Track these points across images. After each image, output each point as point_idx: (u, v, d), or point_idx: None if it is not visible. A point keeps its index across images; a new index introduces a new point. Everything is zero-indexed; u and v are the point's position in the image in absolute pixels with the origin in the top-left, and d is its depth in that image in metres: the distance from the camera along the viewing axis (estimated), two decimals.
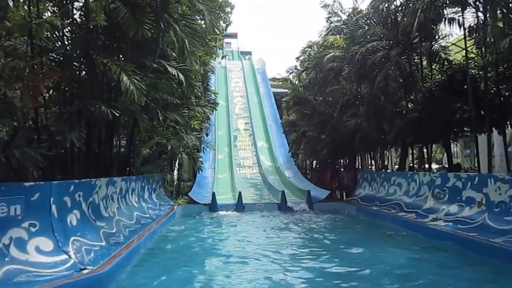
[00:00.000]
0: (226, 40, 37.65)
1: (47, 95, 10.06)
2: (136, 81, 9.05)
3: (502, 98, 11.90)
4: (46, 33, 9.11)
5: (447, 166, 17.73)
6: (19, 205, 5.80)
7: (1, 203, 5.54)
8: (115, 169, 11.99)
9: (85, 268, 5.94)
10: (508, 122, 13.02)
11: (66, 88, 10.45)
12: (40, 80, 8.01)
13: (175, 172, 21.37)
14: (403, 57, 14.77)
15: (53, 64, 9.80)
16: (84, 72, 10.73)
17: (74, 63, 10.50)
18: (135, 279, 6.66)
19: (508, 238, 7.43)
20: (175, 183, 20.64)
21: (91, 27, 9.33)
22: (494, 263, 7.14)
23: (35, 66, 8.48)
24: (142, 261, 7.96)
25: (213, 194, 16.99)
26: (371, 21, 15.44)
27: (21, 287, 5.01)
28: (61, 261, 5.97)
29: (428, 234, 9.72)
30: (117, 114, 9.51)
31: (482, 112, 11.83)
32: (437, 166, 26.25)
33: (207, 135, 22.71)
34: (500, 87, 11.93)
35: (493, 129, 12.43)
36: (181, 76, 11.27)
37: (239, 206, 16.46)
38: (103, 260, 6.53)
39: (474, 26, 11.74)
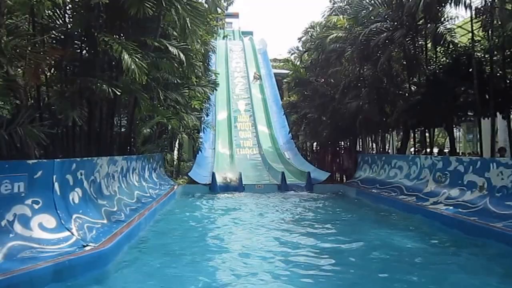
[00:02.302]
0: (227, 19, 37.09)
1: (49, 73, 10.00)
2: (137, 60, 8.99)
3: (507, 82, 11.79)
4: (47, 11, 8.98)
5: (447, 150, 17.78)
6: (23, 183, 5.81)
7: (5, 180, 5.54)
8: (116, 148, 11.99)
9: (87, 245, 6.01)
10: None
11: (68, 67, 10.37)
12: (42, 58, 7.94)
13: (175, 152, 21.40)
14: (407, 39, 14.57)
15: (55, 42, 9.71)
16: (85, 51, 10.63)
17: (76, 42, 10.40)
18: (136, 257, 6.70)
19: (509, 223, 7.45)
20: (175, 163, 20.69)
21: (93, 5, 9.19)
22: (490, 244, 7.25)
23: (37, 45, 8.38)
24: (143, 239, 8.02)
25: (213, 175, 17.03)
26: (376, 1, 15.16)
27: (26, 263, 5.04)
28: (63, 238, 6.03)
29: (427, 216, 9.79)
30: (118, 93, 9.44)
31: (487, 96, 11.72)
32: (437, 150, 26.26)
33: (207, 115, 22.65)
34: (506, 70, 11.81)
35: (497, 113, 12.35)
36: (182, 55, 11.15)
37: (239, 186, 16.52)
38: (105, 238, 6.60)
39: (481, 8, 11.52)
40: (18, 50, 7.52)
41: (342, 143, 22.76)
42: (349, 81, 17.86)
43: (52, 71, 10.26)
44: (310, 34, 24.10)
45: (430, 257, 6.81)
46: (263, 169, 20.85)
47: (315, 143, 26.00)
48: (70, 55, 9.58)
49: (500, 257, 6.57)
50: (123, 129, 13.89)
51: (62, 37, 9.89)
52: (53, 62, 8.80)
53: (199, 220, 10.52)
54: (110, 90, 9.21)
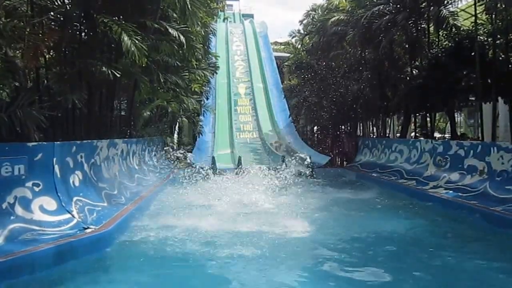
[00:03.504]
0: (227, 1, 36.57)
1: (48, 55, 9.89)
2: (137, 42, 8.91)
3: (510, 66, 11.70)
4: None
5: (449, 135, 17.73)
6: (23, 165, 5.82)
7: (5, 163, 5.55)
8: (116, 131, 11.96)
9: (88, 228, 6.03)
10: None
11: (67, 49, 10.26)
12: (41, 40, 7.85)
13: (175, 135, 21.36)
14: (409, 22, 14.43)
15: (53, 24, 9.57)
16: (84, 33, 10.51)
17: (75, 23, 10.26)
18: (137, 239, 6.73)
19: (508, 207, 7.48)
20: (175, 146, 20.67)
21: None
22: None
23: (35, 26, 8.27)
24: (143, 221, 8.03)
25: (213, 158, 17.02)
26: None
27: (27, 245, 5.08)
28: (64, 220, 6.06)
29: (426, 200, 9.82)
30: (118, 75, 9.38)
31: (489, 81, 11.65)
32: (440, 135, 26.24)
33: (207, 98, 22.55)
34: (509, 54, 11.70)
35: (499, 98, 12.28)
36: (182, 37, 11.05)
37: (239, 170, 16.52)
38: (106, 220, 6.63)
39: None
40: (16, 32, 7.43)
41: (343, 127, 22.71)
42: (350, 64, 17.76)
43: (51, 53, 10.15)
44: (311, 17, 23.83)
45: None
46: (263, 153, 20.83)
47: (315, 127, 25.95)
48: (69, 37, 9.47)
49: None
50: (123, 112, 13.84)
51: (61, 18, 9.75)
52: (52, 44, 8.68)
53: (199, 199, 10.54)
54: (109, 72, 9.15)
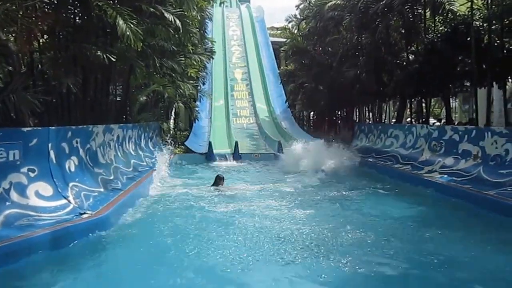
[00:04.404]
0: None
1: (42, 39, 9.78)
2: (132, 26, 8.79)
3: (505, 52, 11.70)
4: None
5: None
6: (18, 150, 5.79)
7: (0, 148, 5.52)
8: (111, 117, 11.91)
9: (84, 213, 6.03)
10: (509, 77, 12.89)
11: (61, 33, 10.14)
12: (34, 23, 7.75)
13: (171, 121, 21.32)
14: (406, 7, 14.33)
15: (47, 7, 9.43)
16: (79, 16, 10.37)
17: (69, 6, 10.12)
18: (134, 224, 6.77)
19: (501, 191, 7.57)
20: (171, 132, 20.65)
21: None
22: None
23: (29, 10, 8.16)
24: (139, 207, 8.06)
25: (210, 144, 17.04)
26: None
27: (24, 230, 5.07)
28: (61, 206, 6.06)
29: (419, 184, 9.92)
30: (113, 60, 9.29)
31: (484, 66, 11.67)
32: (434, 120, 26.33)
33: (203, 84, 22.46)
34: (504, 40, 11.69)
35: (494, 83, 12.31)
36: (178, 21, 10.92)
37: (236, 155, 16.58)
38: (102, 206, 6.62)
39: None
40: (9, 15, 7.33)
41: (339, 113, 22.75)
42: (347, 49, 17.68)
43: (45, 37, 10.04)
44: (308, 2, 23.60)
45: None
46: (260, 138, 20.88)
47: (312, 113, 25.98)
48: (63, 20, 9.34)
49: None
50: (118, 98, 13.77)
51: (55, 1, 9.60)
52: (45, 27, 8.58)
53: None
54: (105, 56, 9.06)
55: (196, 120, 21.39)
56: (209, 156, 16.54)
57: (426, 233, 6.16)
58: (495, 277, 4.66)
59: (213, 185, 10.00)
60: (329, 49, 19.81)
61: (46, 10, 9.14)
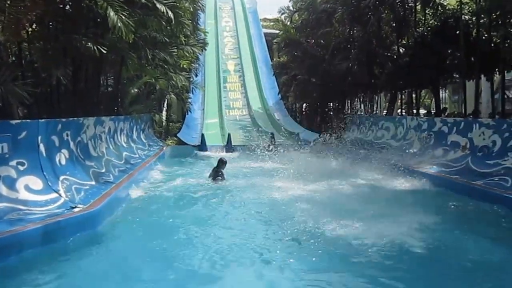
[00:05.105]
0: None
1: (30, 29, 9.65)
2: (123, 17, 8.72)
3: (492, 45, 11.82)
4: None
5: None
6: (6, 144, 5.71)
7: None
8: (103, 109, 11.86)
9: (76, 207, 5.97)
10: (496, 69, 13.05)
11: (50, 23, 10.01)
12: (23, 13, 7.64)
13: (164, 113, 21.24)
14: (397, 1, 14.39)
15: None
16: (68, 6, 10.25)
17: None
18: (126, 217, 6.77)
19: (488, 181, 7.70)
20: (163, 124, 20.59)
21: None
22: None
23: (16, 0, 8.04)
24: (132, 200, 8.06)
25: (202, 135, 17.02)
26: None
27: (14, 225, 5.00)
28: (51, 200, 5.99)
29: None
30: (104, 51, 9.22)
31: (472, 59, 11.79)
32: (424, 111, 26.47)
33: (196, 75, 22.36)
34: (492, 34, 11.81)
35: (482, 75, 12.46)
36: (170, 13, 10.84)
37: (229, 147, 16.59)
38: (94, 199, 6.56)
39: None
40: None
41: (331, 104, 22.79)
42: (339, 42, 17.70)
43: (33, 27, 9.91)
44: None
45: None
46: (253, 130, 20.88)
47: (304, 104, 26.00)
48: (52, 10, 9.22)
49: None
50: (109, 89, 13.69)
51: None
52: (34, 17, 8.45)
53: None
54: (95, 48, 8.98)
55: (189, 112, 21.33)
56: (202, 148, 16.54)
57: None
58: None
59: (214, 169, 9.68)
60: (322, 41, 19.79)
61: None
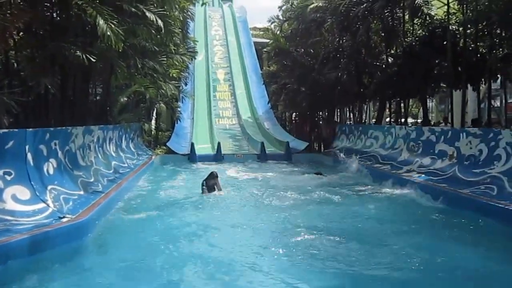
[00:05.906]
0: None
1: (18, 37, 9.56)
2: (113, 26, 8.69)
3: (479, 55, 12.04)
4: None
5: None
6: None
7: None
8: (91, 118, 11.77)
9: (64, 217, 5.90)
10: (482, 79, 13.29)
11: (38, 31, 9.93)
12: (10, 20, 7.57)
13: (153, 121, 21.17)
14: (386, 11, 14.59)
15: (23, 3, 9.24)
16: (57, 14, 10.18)
17: (46, 3, 9.92)
18: (115, 228, 6.71)
19: (475, 189, 7.80)
20: (153, 133, 20.51)
21: None
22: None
23: (3, 6, 7.98)
24: (121, 210, 8.00)
25: (192, 144, 16.97)
26: None
27: (0, 235, 4.93)
28: (39, 210, 5.91)
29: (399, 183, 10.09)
30: (93, 60, 9.17)
31: (459, 68, 12.00)
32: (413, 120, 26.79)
33: (186, 84, 22.34)
34: (478, 44, 12.04)
35: (468, 85, 12.68)
36: (159, 21, 10.86)
37: (218, 156, 16.55)
38: (82, 209, 6.50)
39: None
40: None
41: (321, 113, 22.92)
42: (329, 52, 17.86)
43: (21, 35, 9.81)
44: (290, 3, 23.67)
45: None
46: (242, 139, 20.90)
47: (294, 113, 26.10)
48: (40, 18, 9.14)
49: None
50: (98, 98, 13.60)
51: None
52: (21, 25, 8.37)
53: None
54: (84, 56, 8.94)
55: (178, 121, 21.27)
56: (191, 157, 16.47)
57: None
58: None
59: (204, 181, 9.40)
60: (311, 50, 19.94)
61: (22, 6, 8.94)
